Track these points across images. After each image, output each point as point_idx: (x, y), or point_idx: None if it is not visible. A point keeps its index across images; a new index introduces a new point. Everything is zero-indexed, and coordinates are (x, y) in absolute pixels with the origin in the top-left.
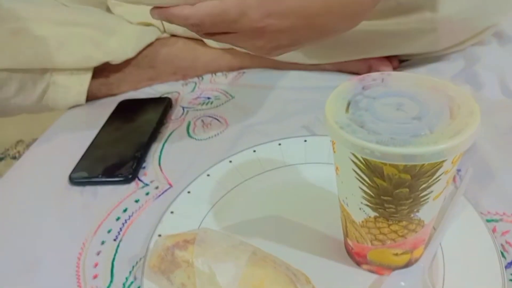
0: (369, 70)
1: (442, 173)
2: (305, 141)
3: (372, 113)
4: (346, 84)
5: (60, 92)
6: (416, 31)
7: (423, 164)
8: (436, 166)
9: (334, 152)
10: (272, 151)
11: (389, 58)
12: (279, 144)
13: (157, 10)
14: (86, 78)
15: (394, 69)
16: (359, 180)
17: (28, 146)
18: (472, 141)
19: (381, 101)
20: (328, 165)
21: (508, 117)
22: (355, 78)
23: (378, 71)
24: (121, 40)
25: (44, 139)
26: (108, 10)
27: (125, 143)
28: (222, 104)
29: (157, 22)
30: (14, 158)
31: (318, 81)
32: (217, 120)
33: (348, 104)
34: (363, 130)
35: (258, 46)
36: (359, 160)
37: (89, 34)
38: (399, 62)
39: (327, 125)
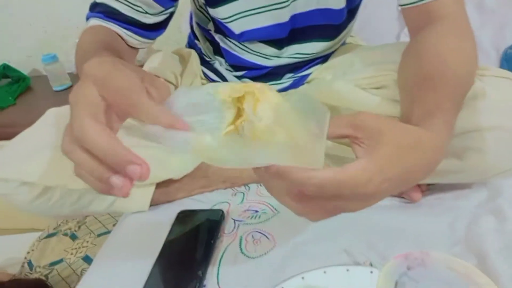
0: (400, 194)
1: None
2: (348, 270)
3: None
4: (393, 262)
5: (126, 202)
6: (444, 171)
7: None
8: None
9: None
10: (318, 278)
11: (419, 184)
12: (324, 272)
13: (271, 171)
14: (149, 191)
15: (422, 192)
16: None
17: (79, 222)
18: None
19: (423, 285)
20: None
21: None
22: (400, 256)
23: (409, 196)
24: (181, 158)
25: (106, 252)
26: None
27: (187, 261)
28: (269, 219)
29: None
30: (66, 234)
31: None
32: (266, 236)
33: (396, 284)
34: None
35: (364, 207)
36: None
37: (154, 154)
38: (427, 185)
39: None
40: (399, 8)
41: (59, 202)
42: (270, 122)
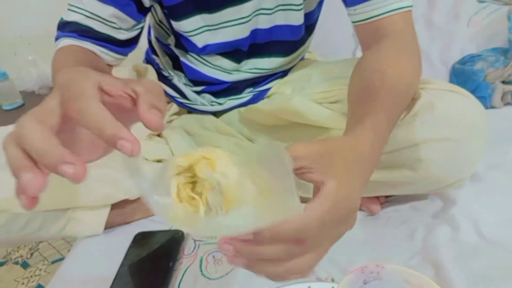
0: (360, 207)
1: None
2: (309, 287)
3: None
4: (349, 277)
5: (79, 226)
6: (398, 182)
7: None
8: None
9: None
10: None
11: (377, 196)
12: None
13: (266, 236)
14: (104, 213)
15: (381, 204)
16: None
17: (31, 249)
18: None
19: None
20: None
21: (482, 262)
22: (357, 270)
23: (368, 209)
24: None
25: (58, 280)
26: None
27: (144, 286)
28: None
29: (169, 158)
30: (17, 263)
31: None
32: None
33: None
34: None
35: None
36: None
37: (108, 174)
38: (385, 197)
39: None
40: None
41: (6, 228)
42: (238, 176)
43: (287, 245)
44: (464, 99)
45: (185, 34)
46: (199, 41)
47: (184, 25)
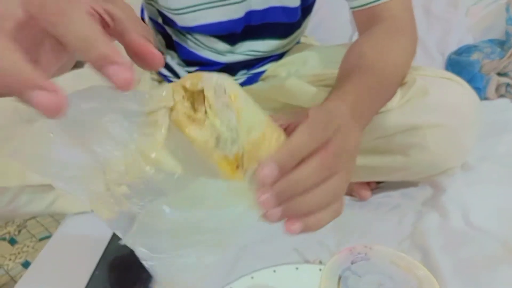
0: (351, 193)
1: None
2: (297, 268)
3: None
4: (337, 257)
5: (67, 202)
6: (390, 168)
7: None
8: None
9: None
10: (268, 277)
11: (368, 182)
12: (274, 271)
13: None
14: None
15: (372, 190)
16: None
17: (19, 226)
18: None
19: (366, 279)
20: None
21: (470, 250)
22: (345, 250)
23: (359, 194)
24: None
25: (45, 255)
26: None
27: (132, 264)
28: None
29: None
30: (4, 239)
31: None
32: None
33: (339, 279)
34: None
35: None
36: None
37: None
38: (376, 183)
39: None
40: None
41: None
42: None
43: (310, 163)
44: (458, 86)
45: (172, 12)
46: (188, 21)
47: (171, 2)
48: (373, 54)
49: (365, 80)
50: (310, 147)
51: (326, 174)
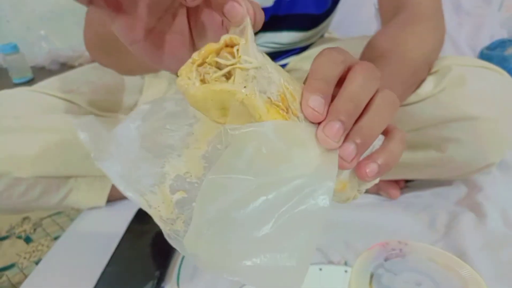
0: (378, 190)
1: None
2: (320, 269)
3: None
4: (369, 253)
5: (82, 196)
6: (422, 165)
7: None
8: None
9: None
10: None
11: (396, 180)
12: None
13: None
14: (108, 184)
15: (401, 189)
16: None
17: (35, 224)
18: None
19: (402, 277)
20: None
21: (510, 252)
22: (377, 245)
23: (387, 193)
24: None
25: (62, 245)
26: None
27: (144, 260)
28: None
29: None
30: (20, 237)
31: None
32: None
33: (371, 277)
34: None
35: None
36: None
37: None
38: (405, 182)
39: None
40: (376, 5)
41: (6, 194)
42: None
43: (354, 75)
44: (498, 75)
45: None
46: None
47: None
48: (386, 44)
49: (397, 68)
50: (338, 68)
51: (374, 84)
